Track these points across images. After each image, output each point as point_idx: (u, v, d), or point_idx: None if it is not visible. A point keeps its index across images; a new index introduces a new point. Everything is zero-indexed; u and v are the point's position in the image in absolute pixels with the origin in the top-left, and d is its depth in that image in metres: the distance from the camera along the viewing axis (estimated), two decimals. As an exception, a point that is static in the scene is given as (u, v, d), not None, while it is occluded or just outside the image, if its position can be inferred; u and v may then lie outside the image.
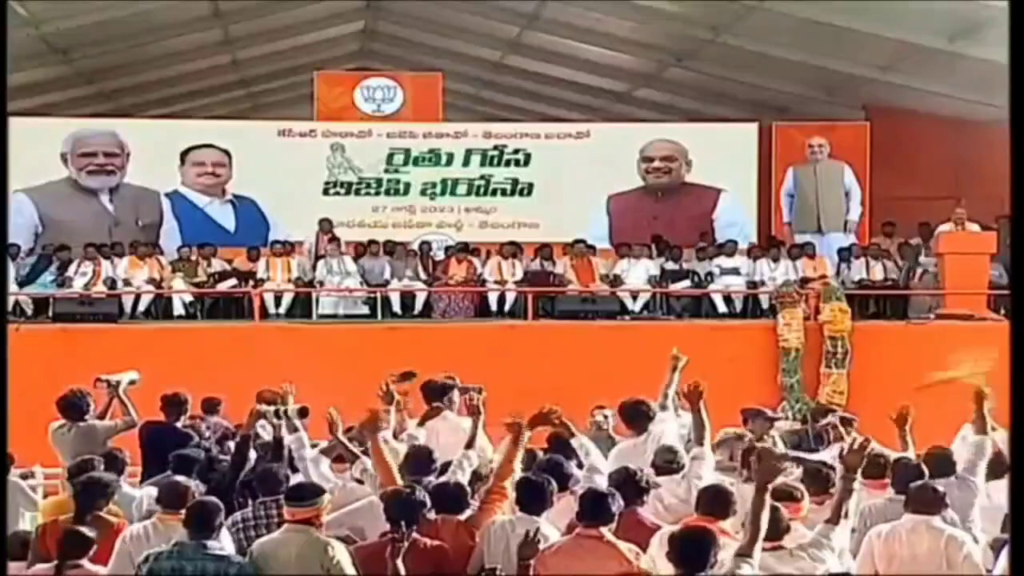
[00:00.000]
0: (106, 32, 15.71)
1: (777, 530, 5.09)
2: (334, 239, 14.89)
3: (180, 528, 5.24)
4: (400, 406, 7.48)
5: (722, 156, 17.14)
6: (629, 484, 5.68)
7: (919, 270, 14.40)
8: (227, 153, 16.73)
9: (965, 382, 7.45)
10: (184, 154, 16.66)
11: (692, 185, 17.26)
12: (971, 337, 12.65)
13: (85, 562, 5.20)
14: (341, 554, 5.16)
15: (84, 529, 5.37)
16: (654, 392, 7.74)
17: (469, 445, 6.47)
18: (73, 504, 5.87)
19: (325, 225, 15.29)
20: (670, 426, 7.26)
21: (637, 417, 7.17)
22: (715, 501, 5.39)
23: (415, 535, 5.19)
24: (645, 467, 6.52)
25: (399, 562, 4.93)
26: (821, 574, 5.03)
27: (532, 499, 5.47)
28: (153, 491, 6.20)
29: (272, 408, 6.65)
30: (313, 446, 6.59)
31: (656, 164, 17.31)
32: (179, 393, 7.96)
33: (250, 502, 5.89)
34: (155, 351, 12.07)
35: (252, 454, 6.57)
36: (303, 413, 6.71)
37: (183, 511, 5.34)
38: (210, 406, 8.47)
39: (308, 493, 5.34)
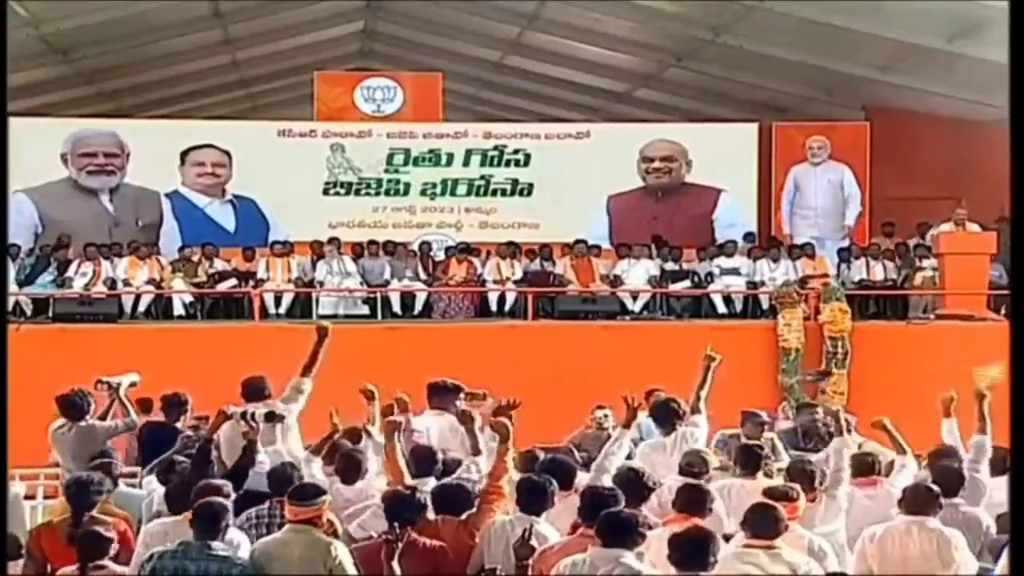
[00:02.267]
0: (106, 32, 15.71)
1: (775, 530, 5.10)
2: (333, 239, 14.90)
3: None
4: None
5: (722, 156, 17.15)
6: (633, 484, 5.68)
7: (919, 276, 14.35)
8: (227, 153, 16.73)
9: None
10: (184, 154, 16.66)
11: (692, 185, 17.26)
12: (972, 337, 12.64)
13: (108, 562, 5.18)
14: (343, 554, 5.16)
15: (100, 529, 5.37)
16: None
17: (476, 452, 6.48)
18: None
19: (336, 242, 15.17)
20: (702, 429, 7.17)
21: (667, 416, 7.14)
22: (691, 499, 5.46)
23: (414, 535, 5.18)
24: (668, 468, 6.53)
25: (395, 563, 4.91)
26: (819, 574, 5.03)
27: (532, 499, 5.47)
28: (160, 489, 6.24)
29: (239, 411, 6.64)
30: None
31: (656, 164, 17.30)
32: (179, 393, 7.97)
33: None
34: (155, 351, 12.06)
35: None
36: (270, 417, 6.70)
37: None
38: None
39: (310, 493, 5.33)
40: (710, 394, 7.31)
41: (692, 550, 4.61)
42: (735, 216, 17.01)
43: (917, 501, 5.74)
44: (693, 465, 6.36)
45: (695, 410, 7.25)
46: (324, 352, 7.42)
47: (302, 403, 7.29)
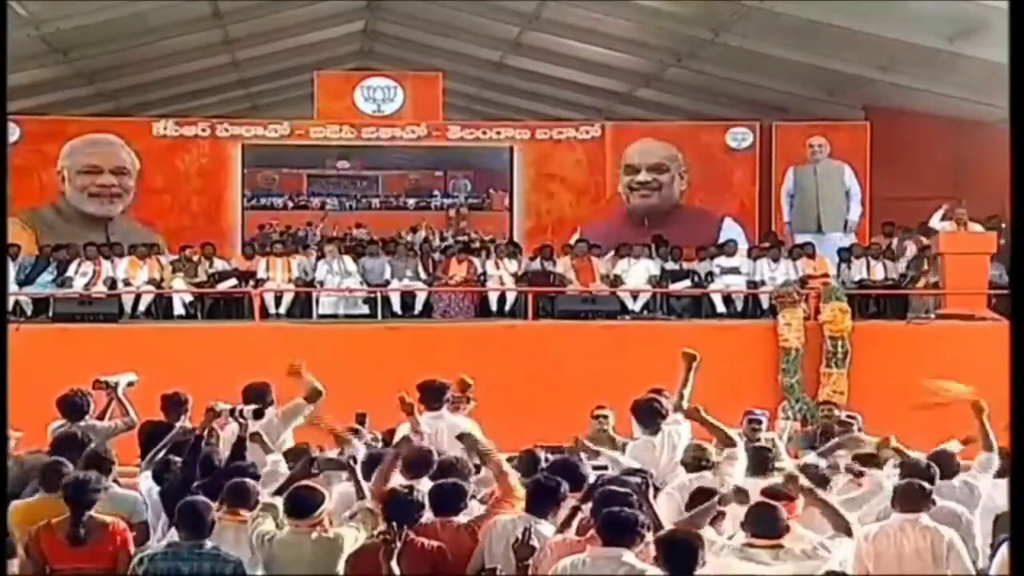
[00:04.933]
0: (106, 32, 15.71)
1: (776, 529, 5.10)
2: (334, 239, 14.90)
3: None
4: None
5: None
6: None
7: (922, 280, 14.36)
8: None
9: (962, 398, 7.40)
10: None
11: (690, 208, 16.97)
12: (972, 337, 12.64)
13: None
14: (350, 545, 5.19)
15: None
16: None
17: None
18: (48, 507, 5.87)
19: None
20: (685, 426, 7.19)
21: (650, 416, 7.15)
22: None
23: (413, 536, 5.17)
24: (656, 467, 6.54)
25: (393, 563, 4.91)
26: (819, 574, 5.03)
27: (540, 501, 5.46)
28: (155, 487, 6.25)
29: (228, 407, 6.63)
30: None
31: (641, 177, 17.07)
32: (179, 393, 7.93)
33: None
34: (155, 351, 12.06)
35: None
36: (259, 415, 6.69)
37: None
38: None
39: (310, 506, 5.27)
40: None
41: (678, 553, 4.61)
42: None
43: (910, 499, 5.74)
44: (699, 459, 6.36)
45: (678, 408, 7.26)
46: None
47: (299, 424, 7.45)
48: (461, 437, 6.46)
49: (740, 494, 5.35)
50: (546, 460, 6.37)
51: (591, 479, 6.11)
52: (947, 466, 6.62)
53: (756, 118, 17.77)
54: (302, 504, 5.29)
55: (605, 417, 8.69)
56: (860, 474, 6.53)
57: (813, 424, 10.89)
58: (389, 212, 17.63)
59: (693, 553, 4.60)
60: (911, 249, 15.02)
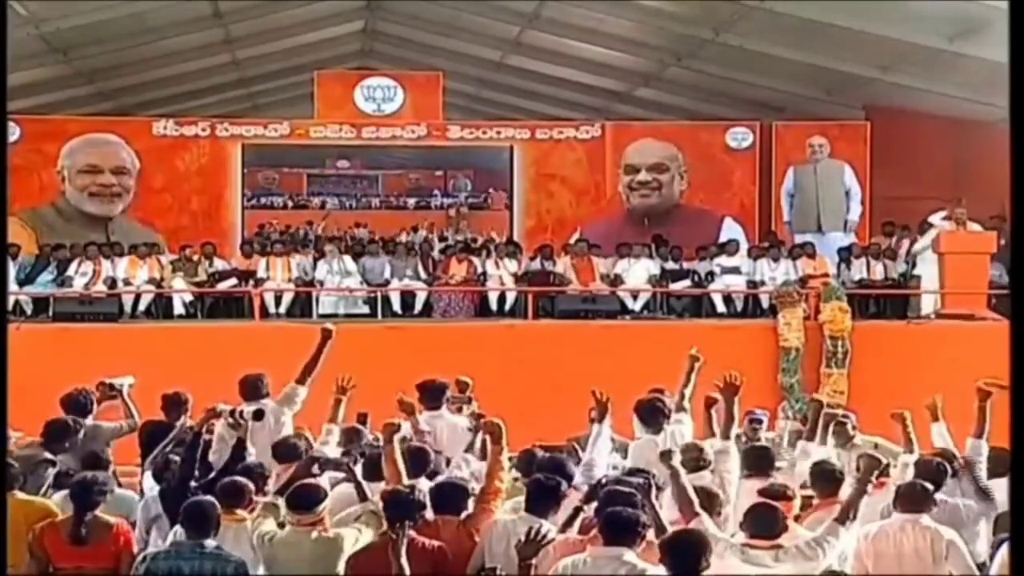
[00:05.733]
0: (106, 31, 15.72)
1: (775, 529, 5.11)
2: (333, 238, 14.90)
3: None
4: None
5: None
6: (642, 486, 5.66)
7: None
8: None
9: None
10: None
11: (690, 208, 16.97)
12: (972, 337, 12.64)
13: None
14: (350, 545, 5.21)
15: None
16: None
17: (468, 448, 6.50)
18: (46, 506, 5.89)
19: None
20: (687, 426, 7.23)
21: (654, 415, 7.16)
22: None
23: (414, 535, 5.18)
24: (660, 466, 6.56)
25: (403, 561, 4.92)
26: (818, 574, 5.04)
27: (541, 500, 5.46)
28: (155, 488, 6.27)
29: (228, 408, 6.65)
30: None
31: (641, 177, 17.04)
32: (179, 393, 7.95)
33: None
34: (155, 351, 12.06)
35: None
36: (258, 415, 6.71)
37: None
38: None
39: (312, 500, 5.33)
40: (695, 392, 7.37)
41: (683, 553, 4.60)
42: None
43: (911, 499, 5.75)
44: (697, 459, 6.37)
45: (680, 408, 7.31)
46: (326, 355, 7.51)
47: (296, 409, 7.46)
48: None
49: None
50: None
51: (578, 476, 6.15)
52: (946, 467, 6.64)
53: (756, 118, 17.79)
54: (304, 499, 5.33)
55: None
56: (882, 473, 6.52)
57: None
58: (389, 212, 17.69)
59: (698, 554, 4.60)
60: (904, 246, 15.03)
